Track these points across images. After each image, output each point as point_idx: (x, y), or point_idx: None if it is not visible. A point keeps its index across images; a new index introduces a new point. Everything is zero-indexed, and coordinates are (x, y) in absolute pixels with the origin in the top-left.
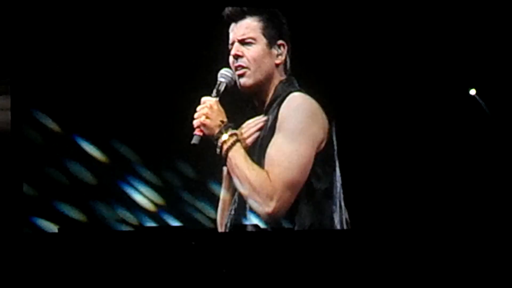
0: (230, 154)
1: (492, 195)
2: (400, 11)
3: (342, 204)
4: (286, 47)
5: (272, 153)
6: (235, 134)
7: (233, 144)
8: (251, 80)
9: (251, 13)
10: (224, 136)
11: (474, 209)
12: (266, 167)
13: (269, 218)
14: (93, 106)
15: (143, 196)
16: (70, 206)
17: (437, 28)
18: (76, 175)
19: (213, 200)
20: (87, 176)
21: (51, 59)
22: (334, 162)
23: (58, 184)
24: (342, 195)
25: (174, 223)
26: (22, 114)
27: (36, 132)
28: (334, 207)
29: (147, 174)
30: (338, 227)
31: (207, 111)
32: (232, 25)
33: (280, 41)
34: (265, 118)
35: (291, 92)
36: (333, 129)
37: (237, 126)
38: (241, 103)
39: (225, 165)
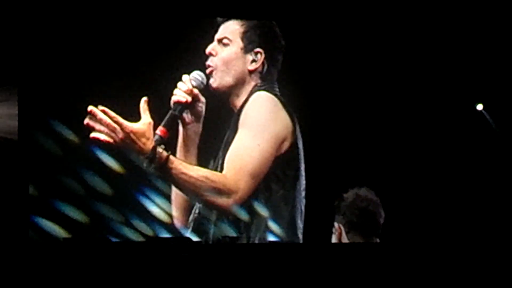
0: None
1: (499, 212)
2: (401, 20)
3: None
4: (262, 56)
5: (235, 147)
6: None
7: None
8: (217, 80)
9: (237, 17)
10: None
11: (477, 228)
12: (228, 161)
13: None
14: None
15: (158, 208)
16: (83, 214)
17: (442, 40)
18: (92, 185)
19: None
20: (103, 186)
21: (62, 66)
22: (298, 167)
23: (73, 193)
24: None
25: (189, 234)
26: (36, 122)
27: (52, 141)
28: (296, 215)
29: (163, 186)
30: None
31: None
32: (219, 28)
33: (257, 49)
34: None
35: (257, 91)
36: (298, 131)
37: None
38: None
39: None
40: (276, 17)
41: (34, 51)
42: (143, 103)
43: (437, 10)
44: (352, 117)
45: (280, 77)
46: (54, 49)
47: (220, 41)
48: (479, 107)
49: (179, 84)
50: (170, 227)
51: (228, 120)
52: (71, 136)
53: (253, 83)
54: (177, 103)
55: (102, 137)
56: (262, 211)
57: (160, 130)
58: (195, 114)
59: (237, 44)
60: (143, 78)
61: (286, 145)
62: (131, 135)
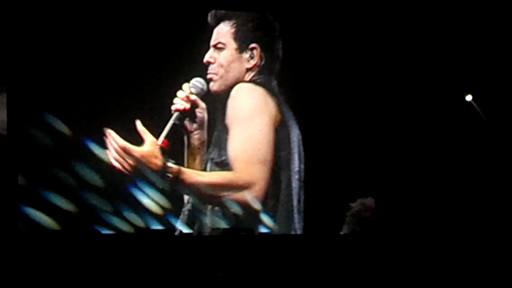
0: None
1: (490, 202)
2: (393, 15)
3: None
4: (258, 50)
5: (235, 143)
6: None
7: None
8: (217, 85)
9: (225, 18)
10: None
11: (469, 216)
12: (234, 159)
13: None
14: (102, 108)
15: (150, 199)
16: (74, 205)
17: (431, 32)
18: (85, 177)
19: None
20: (95, 178)
21: (54, 61)
22: (290, 147)
23: (66, 184)
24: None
25: (180, 226)
26: (28, 115)
27: (45, 134)
28: (292, 200)
29: (155, 177)
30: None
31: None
32: (213, 32)
33: (252, 45)
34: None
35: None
36: (284, 111)
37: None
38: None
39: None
40: (273, 9)
41: (24, 46)
42: (140, 125)
43: (426, 5)
44: (349, 115)
45: (280, 76)
46: (45, 45)
47: (215, 46)
48: (468, 98)
49: (179, 92)
50: (161, 218)
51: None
52: (63, 128)
53: (247, 79)
54: (176, 111)
55: (117, 165)
56: (255, 204)
57: (161, 141)
58: (197, 121)
59: (231, 45)
60: (142, 90)
61: (278, 120)
62: (142, 159)
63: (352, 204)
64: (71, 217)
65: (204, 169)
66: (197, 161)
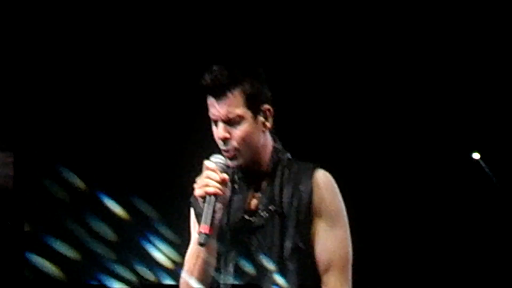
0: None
1: (496, 266)
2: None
3: None
4: (271, 109)
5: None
6: None
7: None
8: (241, 160)
9: (232, 86)
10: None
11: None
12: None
13: None
14: (114, 161)
15: (161, 253)
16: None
17: (436, 84)
18: (96, 229)
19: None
20: (107, 231)
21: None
22: None
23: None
24: None
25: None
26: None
27: (58, 186)
28: None
29: (166, 231)
30: None
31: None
32: (211, 99)
33: (265, 106)
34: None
35: (314, 168)
36: None
37: None
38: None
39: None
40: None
41: (31, 98)
42: None
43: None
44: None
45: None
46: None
47: (227, 122)
48: (476, 156)
49: (207, 172)
50: (173, 272)
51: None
52: (75, 181)
53: (270, 144)
54: (214, 195)
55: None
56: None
57: (203, 227)
58: (224, 202)
59: (248, 115)
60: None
61: None
62: None
63: None
64: (79, 267)
65: None
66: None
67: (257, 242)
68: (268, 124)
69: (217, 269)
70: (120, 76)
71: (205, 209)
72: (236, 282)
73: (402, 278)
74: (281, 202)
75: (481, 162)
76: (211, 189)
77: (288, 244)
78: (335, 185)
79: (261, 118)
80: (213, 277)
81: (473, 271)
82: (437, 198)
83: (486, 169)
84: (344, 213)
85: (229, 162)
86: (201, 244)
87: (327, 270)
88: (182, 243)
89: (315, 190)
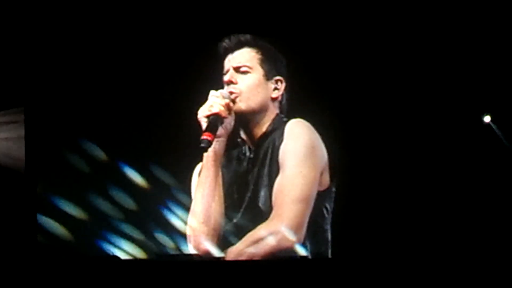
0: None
1: (506, 230)
2: (408, 37)
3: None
4: (283, 84)
5: (279, 184)
6: None
7: None
8: (243, 105)
9: (250, 44)
10: None
11: (483, 245)
12: (274, 199)
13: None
14: (134, 131)
15: (181, 221)
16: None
17: (447, 49)
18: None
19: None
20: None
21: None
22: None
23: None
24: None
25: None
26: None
27: (79, 157)
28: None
29: (185, 199)
30: None
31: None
32: (229, 56)
33: (278, 77)
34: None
35: (288, 120)
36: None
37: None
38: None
39: None
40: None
41: (45, 72)
42: None
43: (445, 18)
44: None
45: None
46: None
47: (237, 69)
48: (487, 119)
49: (214, 96)
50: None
51: (257, 153)
52: (97, 152)
53: (275, 112)
54: (217, 115)
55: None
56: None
57: (205, 134)
58: (227, 129)
59: (258, 71)
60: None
61: (326, 177)
62: None
63: None
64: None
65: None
66: (213, 172)
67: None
68: (278, 93)
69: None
70: (140, 47)
71: (209, 122)
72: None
73: (413, 242)
74: (264, 155)
75: (492, 125)
76: (215, 109)
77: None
78: (303, 130)
79: (271, 85)
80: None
81: (485, 234)
82: (448, 161)
83: (498, 132)
84: (310, 154)
85: (233, 105)
86: (202, 148)
87: (276, 203)
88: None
89: (283, 138)
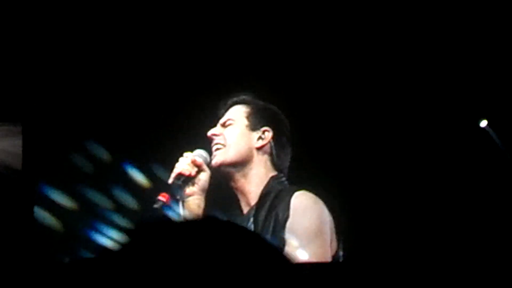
0: None
1: (504, 236)
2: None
3: None
4: (270, 133)
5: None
6: None
7: None
8: (220, 157)
9: (244, 102)
10: None
11: (483, 248)
12: None
13: None
14: (137, 130)
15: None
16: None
17: (443, 55)
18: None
19: None
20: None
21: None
22: None
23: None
24: None
25: None
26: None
27: (84, 159)
28: None
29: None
30: None
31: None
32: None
33: (264, 128)
34: None
35: (292, 193)
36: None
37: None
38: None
39: None
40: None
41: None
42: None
43: (441, 24)
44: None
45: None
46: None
47: (223, 125)
48: (483, 123)
49: (181, 158)
50: None
51: (256, 218)
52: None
53: (270, 174)
54: (180, 175)
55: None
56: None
57: (161, 195)
58: (198, 186)
59: (242, 122)
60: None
61: (334, 245)
62: None
63: None
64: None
65: None
66: None
67: None
68: (262, 143)
69: None
70: (142, 47)
71: (172, 183)
72: None
73: (409, 247)
74: (264, 222)
75: (489, 130)
76: (177, 170)
77: None
78: (312, 205)
79: (256, 134)
80: None
81: (481, 240)
82: (444, 166)
83: (494, 137)
84: (319, 231)
85: (212, 159)
86: (154, 208)
87: None
88: None
89: (289, 214)
